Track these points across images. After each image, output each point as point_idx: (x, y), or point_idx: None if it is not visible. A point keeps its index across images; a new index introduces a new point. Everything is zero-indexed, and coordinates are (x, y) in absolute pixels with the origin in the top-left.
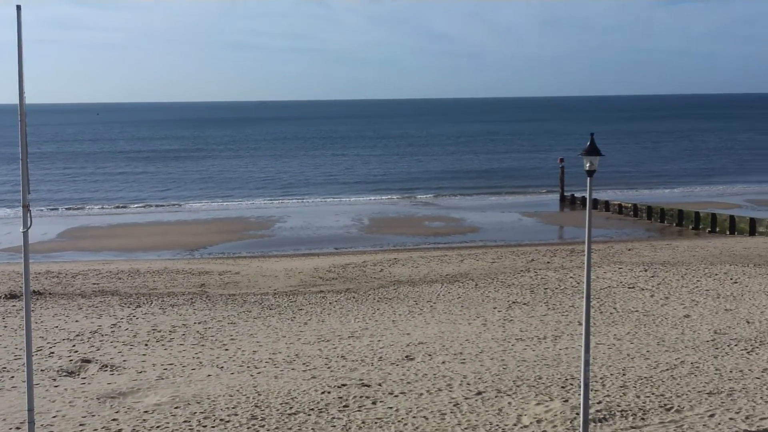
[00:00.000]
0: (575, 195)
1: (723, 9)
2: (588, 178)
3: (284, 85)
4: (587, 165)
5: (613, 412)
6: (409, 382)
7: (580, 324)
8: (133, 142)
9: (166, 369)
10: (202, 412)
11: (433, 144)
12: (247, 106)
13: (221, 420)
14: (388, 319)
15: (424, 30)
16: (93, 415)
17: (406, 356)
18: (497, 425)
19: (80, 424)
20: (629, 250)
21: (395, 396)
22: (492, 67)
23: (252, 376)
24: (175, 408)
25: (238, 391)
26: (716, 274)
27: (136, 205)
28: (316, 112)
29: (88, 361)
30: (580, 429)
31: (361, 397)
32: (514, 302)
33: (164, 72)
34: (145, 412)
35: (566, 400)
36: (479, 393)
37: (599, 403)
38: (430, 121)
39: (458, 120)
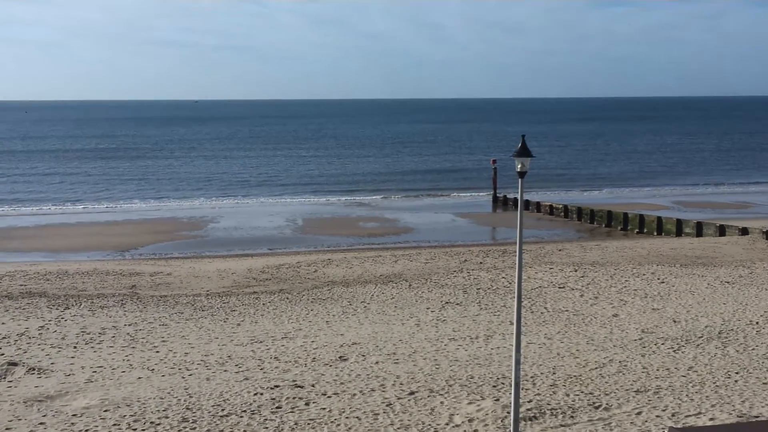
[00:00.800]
0: (508, 196)
1: (649, 13)
2: (519, 180)
3: (218, 84)
4: (519, 166)
5: (543, 411)
6: (342, 383)
7: (512, 323)
8: (64, 141)
9: (95, 372)
10: (132, 415)
11: (369, 145)
12: (181, 105)
13: (151, 423)
14: (322, 320)
15: (361, 30)
16: (19, 419)
17: (340, 357)
18: (429, 425)
19: (6, 429)
20: (560, 250)
21: (328, 397)
22: (428, 69)
23: (183, 378)
24: (105, 411)
25: (169, 393)
26: (644, 274)
27: (66, 205)
28: (252, 112)
29: (15, 364)
30: (511, 428)
31: (294, 398)
32: (447, 302)
33: (97, 70)
34: (74, 415)
35: (497, 399)
36: (412, 393)
37: (530, 401)
38: (366, 121)
39: (395, 121)
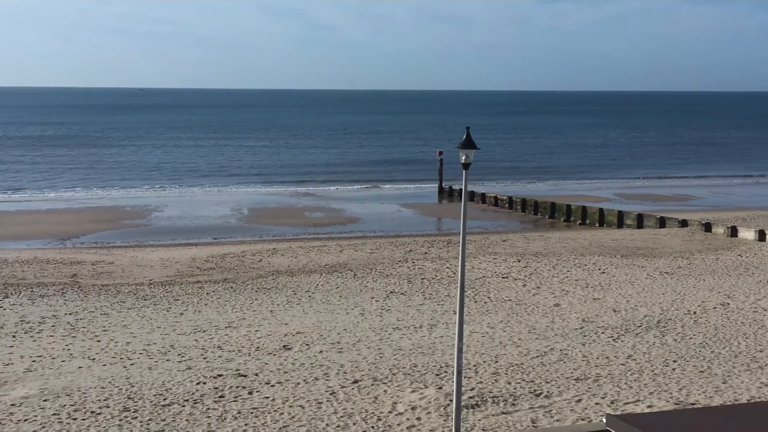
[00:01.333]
0: (453, 187)
1: (597, 8)
2: (464, 171)
3: (165, 73)
4: (463, 158)
5: (485, 399)
6: (286, 372)
7: (455, 313)
8: (8, 128)
9: (34, 361)
10: (72, 405)
11: (317, 136)
12: (127, 93)
13: (92, 412)
14: (266, 309)
15: (308, 20)
16: None
17: (284, 346)
18: (372, 413)
19: None
20: (504, 241)
21: (272, 386)
22: (377, 61)
23: (125, 367)
24: (44, 401)
25: (110, 383)
26: (585, 265)
27: (7, 194)
28: (199, 100)
29: None
30: (453, 415)
31: (237, 387)
32: (391, 292)
33: (43, 56)
34: (12, 405)
35: (440, 388)
36: (356, 381)
37: (472, 389)
38: (314, 112)
39: (343, 112)
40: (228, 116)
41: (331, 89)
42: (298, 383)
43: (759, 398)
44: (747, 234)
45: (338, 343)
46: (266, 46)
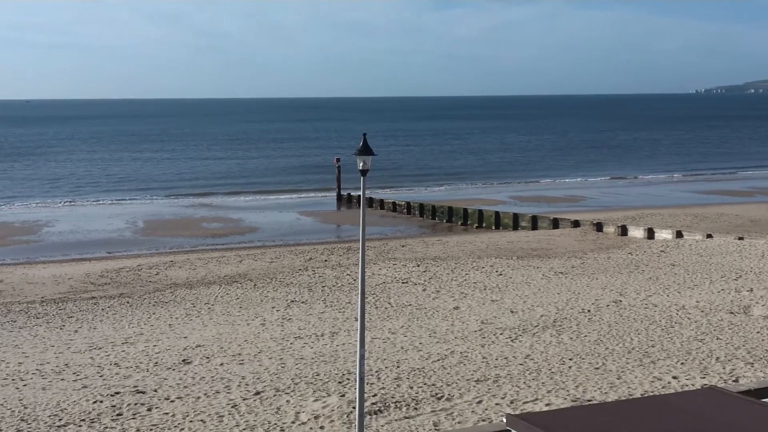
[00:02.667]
0: (352, 194)
1: (485, 14)
2: (362, 178)
3: (51, 83)
4: (360, 164)
5: (387, 404)
6: (186, 386)
7: (357, 320)
8: None
9: None
10: None
11: (213, 145)
12: (12, 105)
13: None
14: (165, 323)
15: (197, 27)
16: None
17: (183, 360)
18: (275, 424)
19: None
20: (403, 246)
21: (171, 401)
22: (271, 68)
23: (17, 388)
24: None
25: (1, 405)
26: (483, 267)
27: None
28: (88, 111)
29: None
30: (356, 422)
31: (135, 404)
32: (292, 301)
33: None
34: None
35: (343, 395)
36: (258, 393)
37: (375, 395)
38: (209, 121)
39: (238, 120)
40: (119, 126)
41: (226, 98)
42: (199, 397)
43: (652, 392)
44: (636, 232)
45: (239, 354)
46: (154, 54)
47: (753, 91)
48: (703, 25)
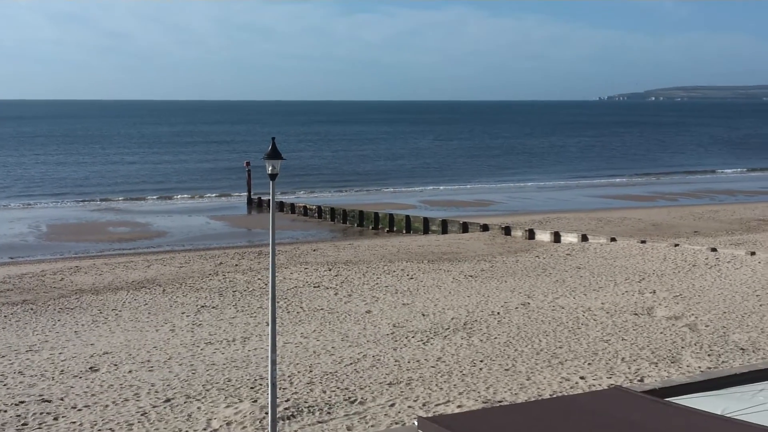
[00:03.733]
0: (262, 198)
1: (393, 20)
2: (271, 182)
3: None
4: (269, 168)
5: (300, 409)
6: (93, 395)
7: (268, 324)
8: None
9: None
10: None
11: (119, 147)
12: None
13: None
14: (70, 330)
15: (101, 28)
16: None
17: (90, 368)
18: (187, 431)
19: None
20: (314, 250)
21: (79, 410)
22: (178, 70)
23: None
24: None
25: None
26: (394, 271)
27: None
28: None
29: None
30: (269, 428)
31: (41, 413)
32: (203, 306)
33: None
34: None
35: (255, 401)
36: (168, 400)
37: (287, 400)
38: (116, 123)
39: (146, 123)
40: (20, 128)
41: (134, 99)
42: (107, 405)
43: (560, 392)
44: (543, 236)
45: (148, 361)
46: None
47: (654, 98)
48: (606, 34)
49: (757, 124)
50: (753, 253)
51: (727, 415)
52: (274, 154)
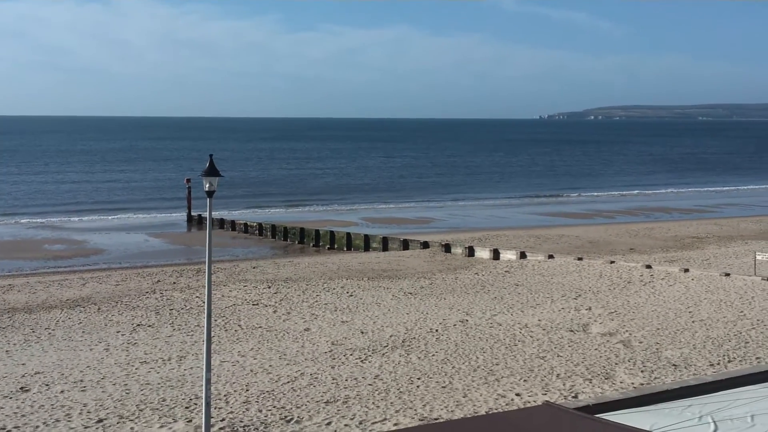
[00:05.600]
0: (202, 215)
1: (336, 38)
2: (208, 199)
3: None
4: (207, 186)
5: (235, 428)
6: (23, 415)
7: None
8: None
9: None
10: None
11: (55, 162)
12: None
13: None
14: (1, 350)
15: (37, 44)
16: None
17: (21, 388)
18: None
19: None
20: (254, 268)
21: (8, 431)
22: (117, 86)
23: None
24: None
25: None
26: (334, 289)
27: None
28: None
29: None
30: None
31: None
32: (138, 325)
33: None
34: None
35: (190, 420)
36: (100, 420)
37: (222, 420)
38: (52, 138)
39: (84, 138)
40: None
41: (72, 115)
42: (38, 426)
43: (496, 409)
44: (483, 253)
45: (81, 381)
46: None
47: (593, 117)
48: (546, 54)
49: (694, 143)
50: (686, 270)
51: (655, 431)
52: (212, 171)
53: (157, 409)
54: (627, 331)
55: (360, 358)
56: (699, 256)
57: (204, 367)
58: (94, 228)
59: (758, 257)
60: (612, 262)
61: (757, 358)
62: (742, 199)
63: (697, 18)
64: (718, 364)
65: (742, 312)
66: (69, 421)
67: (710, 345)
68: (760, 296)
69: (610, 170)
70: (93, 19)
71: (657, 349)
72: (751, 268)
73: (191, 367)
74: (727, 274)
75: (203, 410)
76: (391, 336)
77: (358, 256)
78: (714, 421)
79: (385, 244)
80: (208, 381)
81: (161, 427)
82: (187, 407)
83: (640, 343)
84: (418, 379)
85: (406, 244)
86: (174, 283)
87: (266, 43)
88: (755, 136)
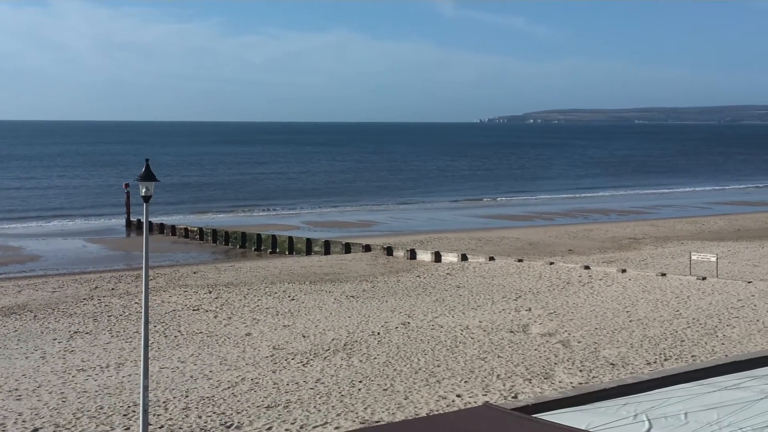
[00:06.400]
0: (141, 220)
1: (278, 42)
2: (144, 204)
3: None
4: (143, 191)
5: None
6: None
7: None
8: None
9: None
10: None
11: None
12: None
13: None
14: None
15: None
16: None
17: None
18: None
19: None
20: (195, 273)
21: None
22: (55, 89)
23: None
24: None
25: None
26: (276, 293)
27: None
28: None
29: None
30: None
31: None
32: (75, 332)
33: None
34: None
35: (128, 428)
36: (36, 430)
37: (161, 427)
38: None
39: (21, 142)
40: None
41: (8, 120)
42: None
43: (437, 411)
44: (424, 256)
45: (16, 390)
46: None
47: (532, 121)
48: (487, 59)
49: (632, 146)
50: (624, 271)
51: (591, 430)
52: (148, 176)
53: (95, 417)
54: (566, 331)
55: (302, 362)
56: (636, 256)
57: (141, 373)
58: (31, 234)
59: (693, 257)
60: (551, 263)
61: (692, 356)
62: (677, 201)
63: (633, 22)
64: (655, 362)
65: (677, 311)
66: (3, 430)
67: (647, 344)
68: (696, 295)
69: (549, 173)
70: (30, 22)
71: (595, 348)
72: (687, 268)
73: (129, 374)
74: (664, 274)
75: (140, 417)
76: (333, 339)
77: (300, 260)
78: (648, 420)
79: (327, 248)
80: (146, 388)
81: None
82: (125, 415)
83: (579, 342)
84: (360, 382)
85: (348, 248)
86: (112, 289)
87: (208, 47)
88: (690, 139)
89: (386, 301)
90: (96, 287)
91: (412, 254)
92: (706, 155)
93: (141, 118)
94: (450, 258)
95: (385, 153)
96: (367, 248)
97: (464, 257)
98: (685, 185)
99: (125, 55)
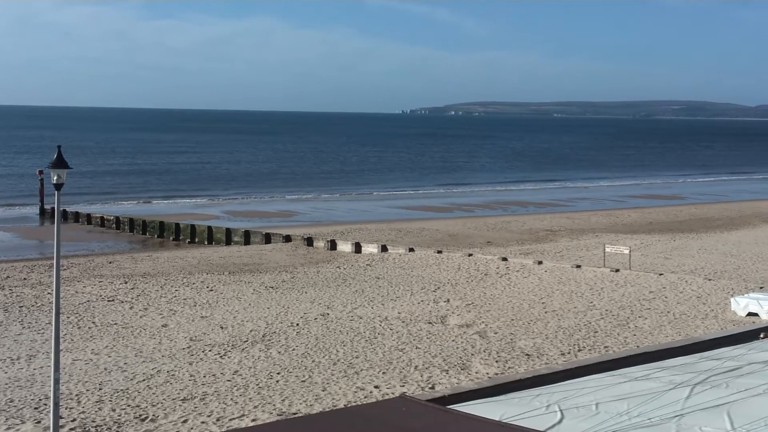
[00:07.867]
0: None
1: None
2: (56, 192)
3: None
4: (54, 178)
5: (87, 429)
6: None
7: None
8: None
9: None
10: None
11: None
12: None
13: None
14: None
15: None
16: None
17: None
18: None
19: None
20: (110, 263)
21: None
22: None
23: None
24: None
25: None
26: (194, 283)
27: None
28: None
29: None
30: None
31: None
32: None
33: None
34: None
35: (39, 422)
36: None
37: (74, 420)
38: None
39: None
40: None
41: None
42: None
43: (355, 402)
44: (345, 247)
45: None
46: None
47: (453, 113)
48: (409, 50)
49: (551, 139)
50: (540, 262)
51: (505, 421)
52: (60, 163)
53: (4, 410)
54: (483, 322)
55: (219, 353)
56: (552, 248)
57: (53, 366)
58: None
59: (607, 249)
60: (470, 254)
61: (605, 347)
62: (593, 194)
63: (554, 17)
64: (569, 353)
65: (591, 302)
66: None
67: (561, 335)
68: (609, 287)
69: (470, 164)
70: None
71: (511, 339)
72: (601, 260)
73: (41, 367)
74: (578, 266)
75: (51, 411)
76: (251, 331)
77: (219, 250)
78: (561, 410)
79: (247, 238)
80: (57, 381)
81: (8, 429)
82: (36, 408)
83: (496, 333)
84: (278, 374)
85: (268, 238)
86: (24, 279)
87: (126, 30)
88: (607, 133)
89: (306, 292)
90: (7, 277)
91: (333, 245)
92: (621, 149)
93: (61, 103)
94: (370, 249)
95: (309, 143)
96: (288, 239)
97: (384, 248)
98: (601, 180)
99: (44, 36)
